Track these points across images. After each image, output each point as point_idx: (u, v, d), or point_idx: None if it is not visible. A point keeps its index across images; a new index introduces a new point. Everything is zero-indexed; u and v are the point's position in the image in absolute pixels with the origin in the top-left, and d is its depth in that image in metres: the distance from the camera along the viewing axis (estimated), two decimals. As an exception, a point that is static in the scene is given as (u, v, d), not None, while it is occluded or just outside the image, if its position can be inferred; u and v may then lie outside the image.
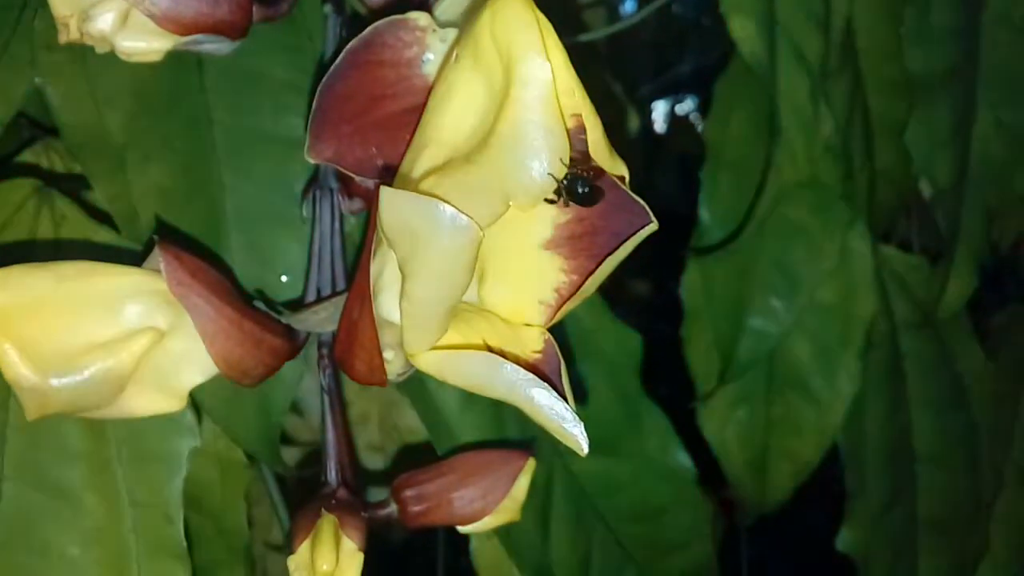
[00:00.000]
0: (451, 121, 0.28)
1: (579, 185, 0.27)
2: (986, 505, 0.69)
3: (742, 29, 0.53)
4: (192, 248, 0.32)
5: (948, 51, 0.65)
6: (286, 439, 0.60)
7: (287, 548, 0.33)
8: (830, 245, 0.62)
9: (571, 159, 0.26)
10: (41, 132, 0.45)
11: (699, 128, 1.41)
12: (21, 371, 0.28)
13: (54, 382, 0.28)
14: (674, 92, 1.35)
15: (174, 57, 0.33)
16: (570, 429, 0.27)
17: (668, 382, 0.62)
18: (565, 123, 0.26)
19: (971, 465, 0.69)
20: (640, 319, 0.57)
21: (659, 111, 1.45)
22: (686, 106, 1.48)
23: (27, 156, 0.45)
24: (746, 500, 0.67)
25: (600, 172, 0.27)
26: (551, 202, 0.27)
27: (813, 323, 0.65)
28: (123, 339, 0.29)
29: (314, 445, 0.63)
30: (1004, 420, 0.70)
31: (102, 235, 0.39)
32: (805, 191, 0.60)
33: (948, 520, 0.69)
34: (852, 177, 0.62)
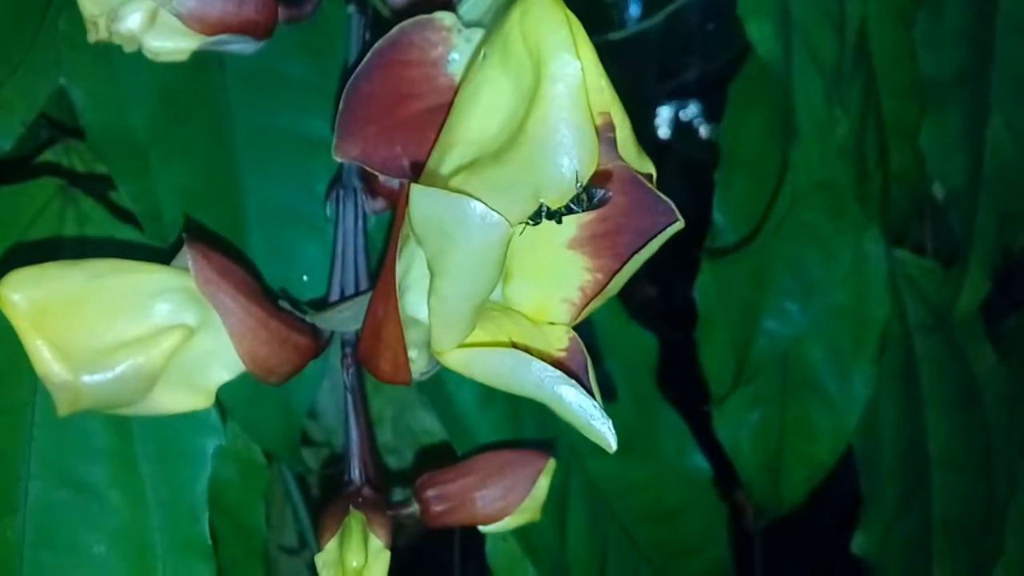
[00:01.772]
0: (479, 119, 0.28)
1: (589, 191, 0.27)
2: (1001, 507, 0.69)
3: (759, 31, 0.53)
4: (220, 246, 0.32)
5: (960, 54, 0.65)
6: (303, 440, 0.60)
7: (316, 546, 0.33)
8: (844, 248, 0.62)
9: None
10: (60, 133, 0.45)
11: (703, 132, 1.42)
12: (53, 368, 0.28)
13: (86, 379, 0.28)
14: (681, 96, 1.35)
15: (196, 57, 0.34)
16: (598, 427, 0.27)
17: (681, 385, 0.62)
18: (594, 120, 0.26)
19: (985, 467, 0.69)
20: (652, 321, 0.57)
21: (665, 115, 1.45)
22: (691, 110, 1.48)
23: (47, 157, 0.44)
24: (760, 503, 0.67)
25: (606, 177, 0.28)
26: (572, 211, 0.27)
27: (827, 326, 0.65)
28: (153, 336, 0.29)
29: (326, 446, 0.63)
30: (1018, 422, 0.70)
31: (126, 235, 0.39)
32: (819, 194, 0.60)
33: (963, 522, 0.69)
34: (866, 180, 0.62)
